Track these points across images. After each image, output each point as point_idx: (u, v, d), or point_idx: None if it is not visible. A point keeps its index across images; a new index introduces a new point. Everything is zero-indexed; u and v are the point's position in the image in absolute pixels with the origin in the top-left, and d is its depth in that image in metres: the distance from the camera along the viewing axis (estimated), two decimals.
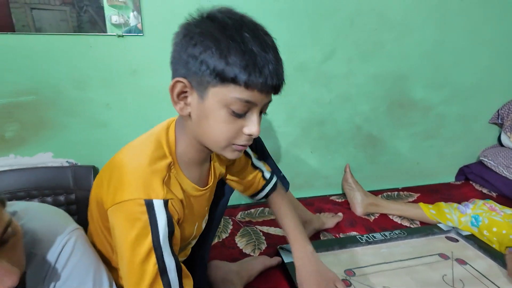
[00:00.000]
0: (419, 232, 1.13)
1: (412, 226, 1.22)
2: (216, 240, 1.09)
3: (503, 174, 1.48)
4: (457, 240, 1.11)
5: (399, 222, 1.24)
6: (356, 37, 1.28)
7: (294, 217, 0.81)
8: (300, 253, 0.76)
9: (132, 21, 1.06)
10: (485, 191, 1.51)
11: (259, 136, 1.01)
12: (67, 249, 0.52)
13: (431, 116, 1.48)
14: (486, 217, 1.12)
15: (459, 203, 1.21)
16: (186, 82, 0.51)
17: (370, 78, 1.35)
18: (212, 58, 0.48)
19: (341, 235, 1.14)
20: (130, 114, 1.15)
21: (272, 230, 1.16)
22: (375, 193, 1.43)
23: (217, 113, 0.51)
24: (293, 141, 1.37)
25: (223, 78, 0.49)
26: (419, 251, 1.04)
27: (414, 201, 1.39)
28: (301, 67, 1.26)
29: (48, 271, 0.51)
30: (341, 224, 1.21)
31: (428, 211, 1.21)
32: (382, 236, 1.10)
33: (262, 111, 0.56)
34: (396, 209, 1.27)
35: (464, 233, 1.12)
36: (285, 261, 0.93)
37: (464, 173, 1.64)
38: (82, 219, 0.64)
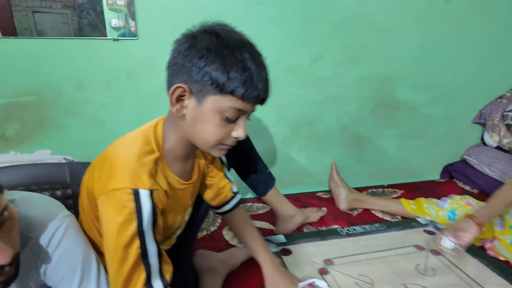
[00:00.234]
0: (398, 226, 1.19)
1: (393, 220, 1.28)
2: (204, 233, 1.15)
3: (485, 172, 1.54)
4: (434, 233, 1.17)
5: (380, 216, 1.31)
6: (343, 41, 1.34)
7: (258, 235, 0.87)
8: (269, 270, 0.83)
9: (128, 25, 1.13)
10: (467, 188, 1.57)
11: (249, 139, 1.08)
12: (58, 233, 0.58)
13: (417, 116, 1.55)
14: (462, 211, 1.18)
15: (439, 199, 1.27)
16: (186, 88, 0.58)
17: (357, 80, 1.41)
18: (215, 72, 0.55)
19: (324, 228, 1.21)
20: (126, 113, 1.21)
21: (258, 224, 1.23)
22: (361, 189, 1.50)
23: (211, 118, 0.59)
24: (282, 140, 1.43)
25: (223, 90, 0.56)
26: (397, 243, 1.10)
27: (397, 197, 1.45)
28: (290, 70, 1.32)
29: (41, 254, 0.57)
30: (325, 218, 1.27)
31: (408, 206, 1.27)
32: (362, 229, 1.16)
33: (247, 118, 0.65)
34: (378, 205, 1.34)
35: (442, 227, 1.18)
36: None
37: (449, 171, 1.71)
38: (78, 212, 0.71)
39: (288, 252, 1.04)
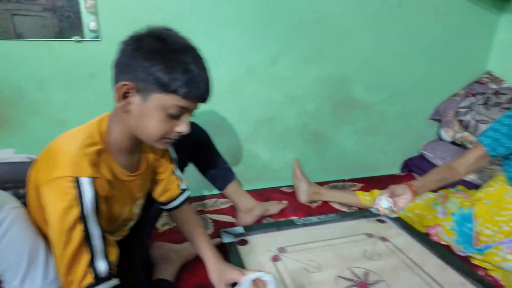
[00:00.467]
0: (351, 216, 1.27)
1: (348, 211, 1.35)
2: (166, 227, 1.19)
3: (438, 165, 1.64)
4: (385, 222, 1.25)
5: (338, 208, 1.38)
6: (300, 43, 1.41)
7: (203, 232, 0.90)
8: (212, 264, 0.85)
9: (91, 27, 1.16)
10: None
11: (208, 135, 1.13)
12: (5, 224, 0.62)
13: (372, 114, 1.63)
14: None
15: None
16: (132, 86, 0.63)
17: (315, 80, 1.49)
18: (159, 72, 0.61)
19: (282, 220, 1.27)
20: (86, 112, 1.23)
21: (220, 218, 1.28)
22: (323, 184, 1.57)
23: (155, 114, 0.64)
24: (245, 137, 1.49)
25: (166, 89, 0.62)
26: (348, 231, 1.17)
27: (356, 190, 1.53)
28: (250, 70, 1.38)
29: None
30: (285, 211, 1.34)
31: (363, 198, 1.35)
32: (317, 219, 1.23)
33: (191, 114, 0.71)
34: (336, 197, 1.41)
35: (392, 216, 1.26)
36: (224, 241, 1.05)
37: (408, 165, 1.80)
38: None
39: (244, 242, 1.09)
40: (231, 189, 1.19)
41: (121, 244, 0.75)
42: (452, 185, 1.23)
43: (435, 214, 1.19)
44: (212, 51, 1.30)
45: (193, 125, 1.08)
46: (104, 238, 0.64)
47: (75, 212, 0.60)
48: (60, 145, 0.66)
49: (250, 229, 1.16)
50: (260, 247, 1.07)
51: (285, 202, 1.37)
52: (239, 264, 0.94)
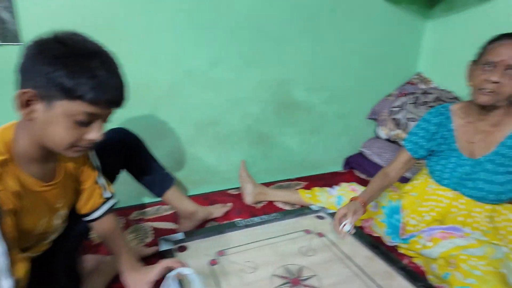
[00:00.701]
0: (292, 213, 1.31)
1: (290, 209, 1.39)
2: None
3: (375, 161, 1.74)
4: (323, 218, 1.30)
5: (281, 207, 1.41)
6: (239, 47, 1.43)
7: (126, 243, 0.89)
8: (127, 273, 0.85)
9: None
10: (363, 176, 1.77)
11: (139, 139, 1.10)
12: None
13: (314, 115, 1.70)
14: (348, 196, 1.32)
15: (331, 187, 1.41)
16: (33, 93, 0.60)
17: (256, 83, 1.52)
18: (61, 78, 0.58)
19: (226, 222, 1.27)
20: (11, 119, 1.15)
21: (162, 225, 1.25)
22: (269, 184, 1.60)
23: (62, 122, 0.62)
24: (188, 140, 1.47)
25: (71, 95, 0.60)
26: (288, 229, 1.21)
27: (299, 189, 1.58)
28: (189, 73, 1.37)
29: None
30: (230, 213, 1.34)
31: (304, 195, 1.40)
32: (260, 219, 1.25)
33: (104, 121, 0.68)
34: (280, 196, 1.45)
35: (331, 211, 1.32)
36: (160, 249, 1.03)
37: (349, 162, 1.90)
38: None
39: (184, 248, 1.09)
40: (170, 194, 1.17)
41: (43, 258, 0.71)
42: None
43: (368, 208, 1.27)
44: (148, 55, 1.28)
45: (122, 130, 1.06)
46: (8, 255, 0.60)
47: None
48: None
49: (191, 234, 1.15)
50: (199, 252, 1.07)
51: (229, 204, 1.38)
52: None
